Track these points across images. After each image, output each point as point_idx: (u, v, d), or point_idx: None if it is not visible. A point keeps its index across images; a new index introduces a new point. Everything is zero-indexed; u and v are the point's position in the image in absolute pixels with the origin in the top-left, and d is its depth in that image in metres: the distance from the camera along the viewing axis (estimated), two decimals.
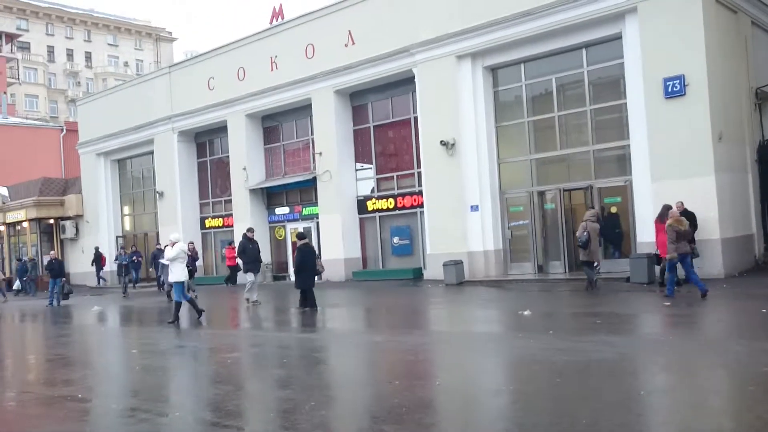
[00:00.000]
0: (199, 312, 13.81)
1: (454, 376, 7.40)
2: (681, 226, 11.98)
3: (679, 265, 12.20)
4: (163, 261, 14.95)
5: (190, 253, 19.77)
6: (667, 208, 13.09)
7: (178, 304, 13.50)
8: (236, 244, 24.24)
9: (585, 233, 13.84)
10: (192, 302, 13.82)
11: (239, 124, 24.79)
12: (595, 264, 14.35)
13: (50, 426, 6.20)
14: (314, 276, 14.55)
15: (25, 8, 64.31)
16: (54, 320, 17.32)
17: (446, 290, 16.91)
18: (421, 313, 14.14)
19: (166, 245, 14.42)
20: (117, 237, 31.45)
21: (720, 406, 5.69)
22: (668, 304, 11.71)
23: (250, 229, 16.77)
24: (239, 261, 17.55)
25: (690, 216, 13.42)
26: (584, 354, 7.75)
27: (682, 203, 13.77)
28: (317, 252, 18.05)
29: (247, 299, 15.94)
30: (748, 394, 5.90)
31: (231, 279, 24.09)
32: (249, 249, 16.06)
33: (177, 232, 16.51)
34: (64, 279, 21.83)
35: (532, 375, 7.03)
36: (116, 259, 23.76)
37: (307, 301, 14.25)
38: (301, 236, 14.89)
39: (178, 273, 13.52)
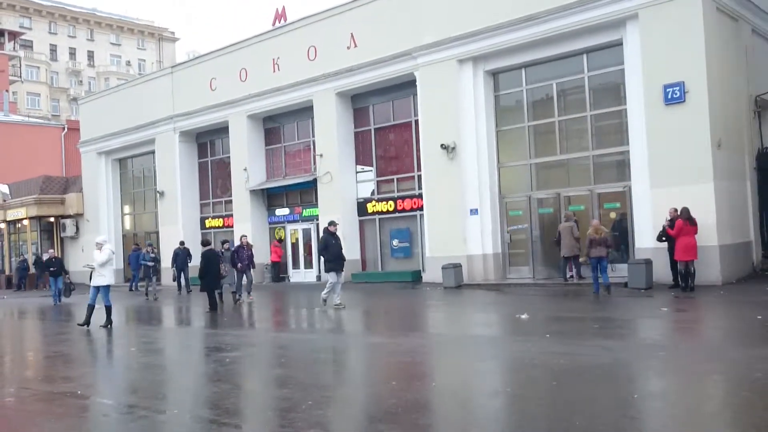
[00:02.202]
0: (108, 323, 13.03)
1: (450, 378, 7.44)
2: (596, 234, 14.18)
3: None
4: (93, 265, 13.18)
5: (246, 249, 17.42)
6: (687, 210, 13.77)
7: (91, 307, 13.00)
8: (282, 240, 23.59)
9: (558, 232, 16.31)
10: (108, 309, 13.12)
11: (240, 125, 24.86)
12: (565, 257, 16.15)
13: (48, 422, 6.23)
14: (218, 279, 15.69)
15: (28, 6, 64.42)
16: (54, 318, 17.36)
17: (445, 293, 16.95)
18: (420, 315, 14.18)
19: (101, 244, 13.17)
20: (120, 234, 31.51)
21: (714, 411, 5.73)
22: (665, 309, 11.79)
23: (332, 223, 14.74)
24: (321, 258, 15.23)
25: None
26: (581, 358, 7.79)
27: (676, 209, 13.97)
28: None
29: (325, 300, 14.45)
30: (742, 399, 5.95)
31: (276, 276, 24.05)
32: (332, 245, 14.26)
33: (104, 234, 15.13)
34: (68, 275, 21.65)
35: (529, 378, 7.07)
36: (142, 259, 21.86)
37: (210, 302, 15.32)
38: (205, 243, 16.32)
39: (108, 276, 13.07)
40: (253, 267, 17.93)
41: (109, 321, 13.07)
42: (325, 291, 14.33)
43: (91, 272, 13.24)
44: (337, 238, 14.42)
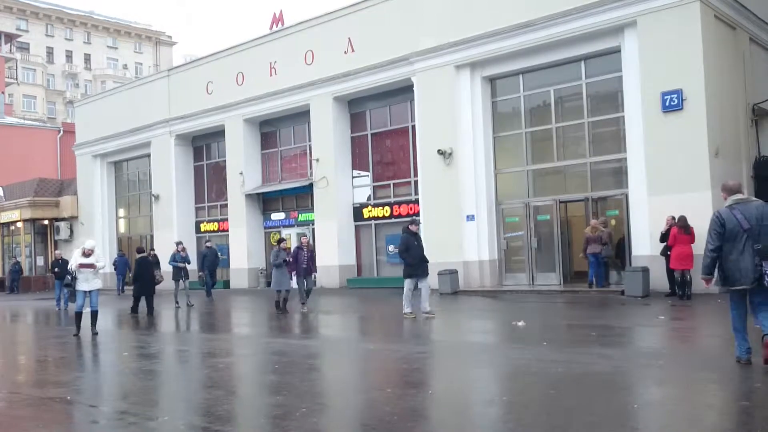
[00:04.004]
0: (95, 327, 12.66)
1: (446, 386, 7.35)
2: (591, 233, 15.90)
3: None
4: (99, 265, 12.62)
5: (306, 251, 15.45)
6: (684, 219, 13.72)
7: (79, 315, 12.62)
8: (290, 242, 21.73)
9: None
10: (95, 314, 12.65)
11: (237, 129, 24.78)
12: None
13: (36, 428, 6.11)
14: (153, 285, 16.52)
15: (25, 9, 64.33)
16: (53, 322, 17.20)
17: (441, 299, 16.86)
18: (415, 321, 14.06)
19: (88, 251, 12.52)
20: (115, 238, 31.35)
21: (712, 421, 5.65)
22: (662, 317, 11.72)
23: (414, 221, 13.22)
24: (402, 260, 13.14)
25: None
26: (578, 366, 7.71)
27: (674, 217, 13.92)
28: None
29: (427, 312, 12.76)
30: (740, 408, 5.88)
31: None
32: (413, 246, 12.63)
33: (92, 239, 14.34)
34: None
35: (526, 386, 6.99)
36: (172, 260, 19.18)
37: (147, 307, 16.22)
38: (139, 250, 17.55)
39: (100, 280, 12.98)
40: (313, 272, 16.14)
41: (95, 325, 12.70)
42: (423, 299, 12.74)
43: (73, 276, 12.59)
44: (419, 239, 12.80)
